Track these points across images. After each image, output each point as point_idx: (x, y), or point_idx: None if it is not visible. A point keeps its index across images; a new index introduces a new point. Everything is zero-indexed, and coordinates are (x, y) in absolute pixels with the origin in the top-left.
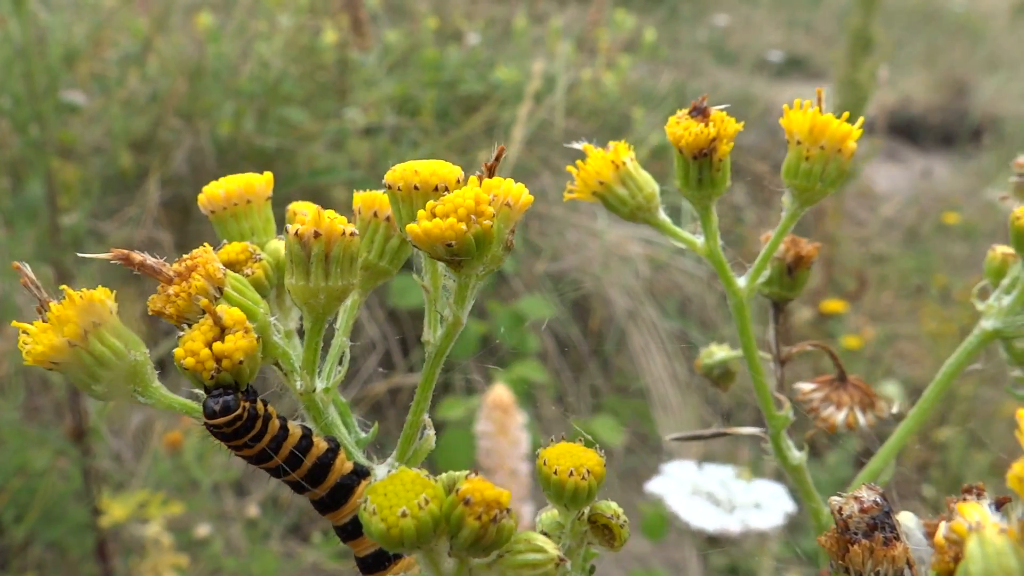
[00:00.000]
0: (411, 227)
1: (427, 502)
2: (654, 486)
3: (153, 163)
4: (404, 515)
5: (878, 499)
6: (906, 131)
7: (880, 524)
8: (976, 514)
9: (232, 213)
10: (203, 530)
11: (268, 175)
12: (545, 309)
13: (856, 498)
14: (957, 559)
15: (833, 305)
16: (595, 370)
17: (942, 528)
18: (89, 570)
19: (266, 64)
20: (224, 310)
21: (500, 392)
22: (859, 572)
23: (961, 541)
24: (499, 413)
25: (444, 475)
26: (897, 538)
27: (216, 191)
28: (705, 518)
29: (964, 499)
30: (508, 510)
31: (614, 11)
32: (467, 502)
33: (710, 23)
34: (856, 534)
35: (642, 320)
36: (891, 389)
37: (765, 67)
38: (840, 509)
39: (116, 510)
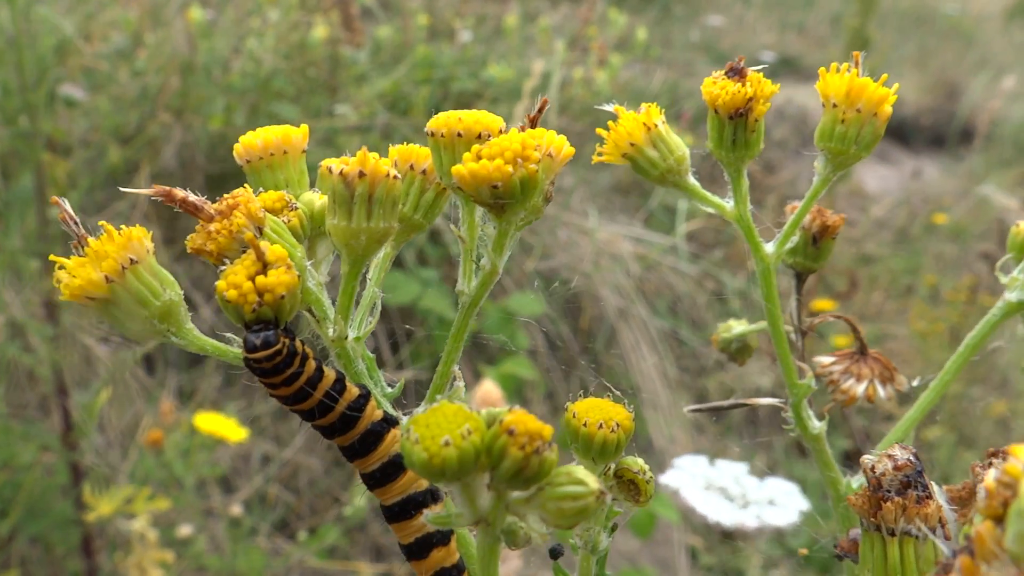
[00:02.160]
0: (457, 168)
1: (470, 432)
2: (668, 479)
3: (143, 158)
4: (447, 444)
5: (911, 457)
6: (897, 132)
7: (913, 482)
8: None
9: (268, 164)
10: (185, 529)
11: (304, 127)
12: (535, 307)
13: (889, 456)
14: (1006, 503)
15: (823, 305)
16: (585, 368)
17: (991, 473)
18: (74, 566)
19: (257, 60)
20: (266, 246)
21: (489, 388)
22: (891, 529)
23: (1014, 483)
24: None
25: (484, 410)
26: (930, 496)
27: (254, 140)
28: (722, 513)
29: (991, 463)
30: (551, 444)
31: (607, 10)
32: (511, 432)
33: (703, 23)
34: (889, 491)
35: (632, 318)
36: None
37: (757, 67)
38: (873, 467)
39: (102, 506)
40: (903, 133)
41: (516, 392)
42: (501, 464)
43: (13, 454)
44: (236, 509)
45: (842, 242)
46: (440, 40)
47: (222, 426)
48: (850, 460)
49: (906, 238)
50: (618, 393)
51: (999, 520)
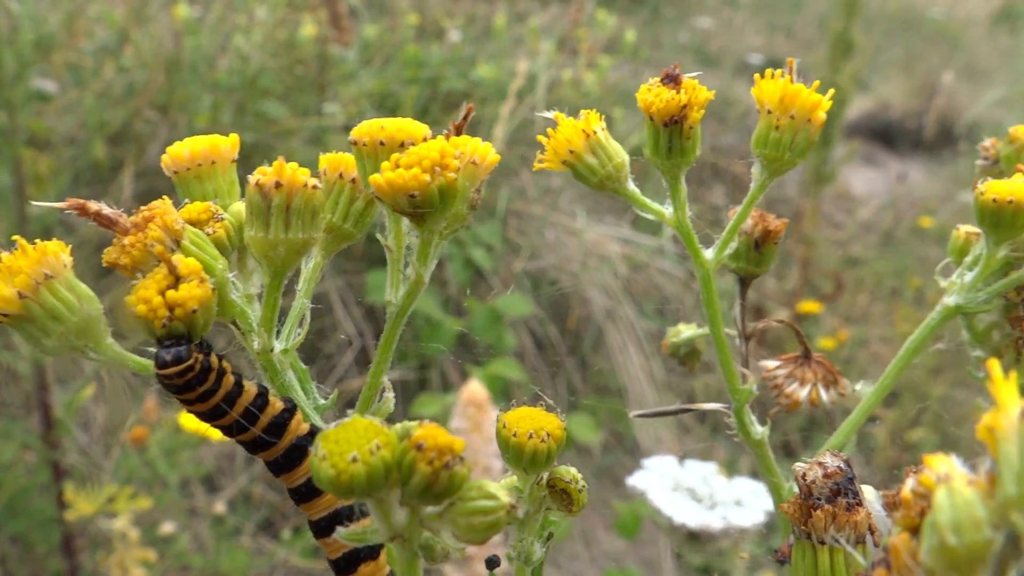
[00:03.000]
0: (374, 178)
1: (379, 448)
2: (635, 480)
3: (128, 155)
4: (355, 460)
5: (842, 465)
6: (883, 135)
7: (843, 490)
8: (944, 466)
9: (196, 174)
10: (168, 527)
11: (234, 136)
12: (523, 307)
13: (820, 463)
14: (923, 514)
15: (809, 306)
16: (572, 369)
17: (909, 483)
18: (56, 565)
19: (245, 57)
20: (179, 259)
21: (475, 389)
22: (821, 538)
23: (928, 494)
24: (474, 410)
25: (399, 424)
26: (860, 504)
27: (181, 151)
28: (687, 514)
29: (918, 473)
30: (461, 458)
31: (596, 11)
32: (420, 447)
33: (692, 25)
34: (819, 499)
35: (620, 319)
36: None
37: (746, 70)
38: (804, 475)
39: (83, 504)
40: (889, 136)
41: (503, 393)
42: (411, 480)
43: None
44: (219, 507)
45: (828, 244)
46: (429, 39)
47: (206, 425)
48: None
49: (892, 241)
50: (551, 402)
51: (915, 532)
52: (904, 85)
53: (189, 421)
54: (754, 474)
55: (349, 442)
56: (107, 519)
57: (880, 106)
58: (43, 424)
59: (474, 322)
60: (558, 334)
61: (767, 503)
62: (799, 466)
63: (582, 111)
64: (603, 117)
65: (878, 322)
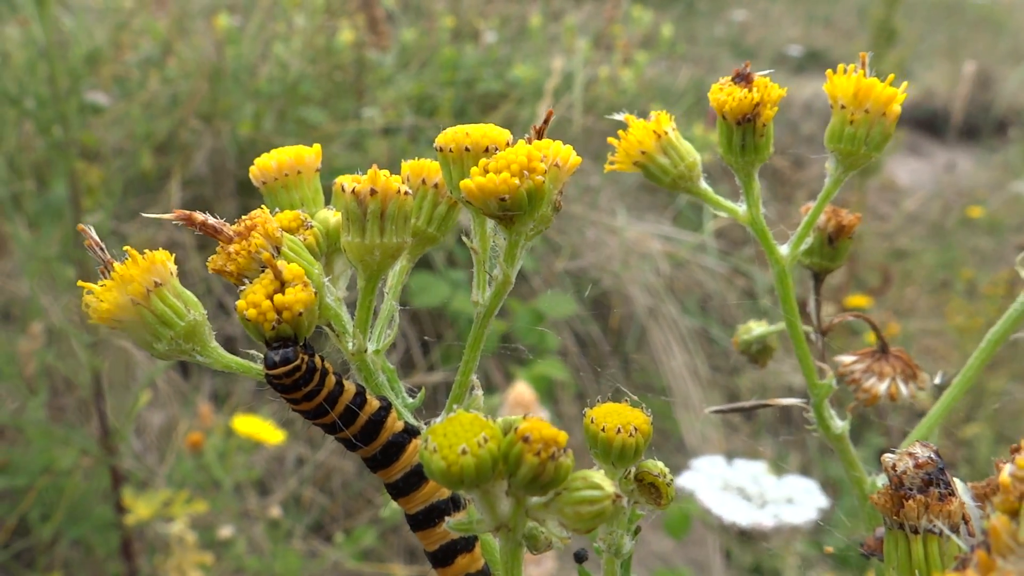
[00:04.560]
0: (465, 183)
1: (486, 440)
2: (684, 480)
3: (174, 164)
4: (464, 452)
5: (932, 455)
6: (928, 125)
7: (935, 480)
8: None
9: (283, 184)
10: (226, 531)
11: (317, 147)
12: (565, 307)
13: (910, 454)
14: (1022, 497)
15: (856, 301)
16: (616, 367)
17: (1007, 468)
18: (115, 568)
19: (284, 65)
20: (284, 265)
21: (522, 390)
22: (914, 527)
23: None
24: (521, 411)
25: (500, 419)
26: (952, 494)
27: (268, 162)
28: (737, 512)
29: (1014, 459)
30: (565, 449)
31: (631, 8)
32: (526, 439)
33: (727, 19)
34: (911, 489)
35: (662, 317)
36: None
37: (784, 62)
38: (894, 466)
39: (141, 509)
40: (935, 125)
41: (547, 393)
42: (518, 471)
43: (54, 459)
44: (275, 511)
45: (874, 237)
46: (464, 41)
47: (260, 428)
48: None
49: (940, 232)
50: (636, 398)
51: (1015, 514)
52: (948, 72)
53: (243, 425)
54: (804, 472)
55: (457, 435)
56: (164, 523)
57: (924, 95)
58: (100, 430)
59: (517, 323)
60: (600, 333)
61: (819, 500)
62: (888, 457)
63: (652, 111)
64: (673, 118)
65: (928, 315)
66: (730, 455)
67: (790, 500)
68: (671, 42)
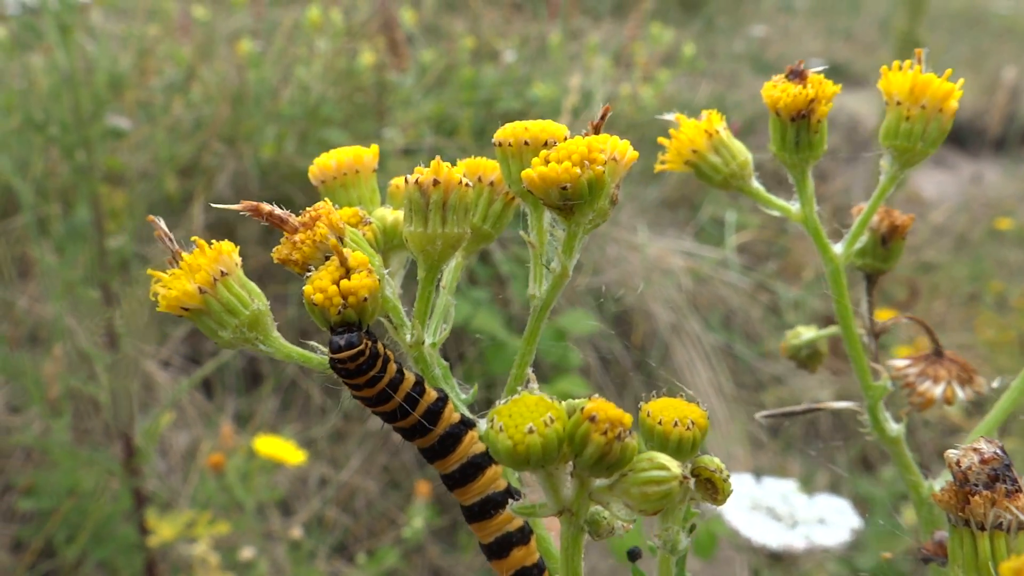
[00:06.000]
0: (527, 172)
1: (552, 420)
2: None
3: (197, 187)
4: (531, 431)
5: (998, 451)
6: (953, 136)
7: (1001, 475)
8: None
9: (341, 183)
10: (248, 552)
11: (375, 147)
12: (587, 324)
13: (975, 450)
14: None
15: (883, 315)
16: (639, 384)
17: None
18: None
19: (306, 88)
20: (349, 252)
21: None
22: (981, 523)
23: None
24: None
25: (565, 401)
26: (1020, 490)
27: (328, 161)
28: (767, 534)
29: None
30: (631, 431)
31: (650, 25)
32: (593, 419)
33: (747, 34)
34: (976, 485)
35: (686, 334)
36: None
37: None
38: (958, 462)
39: (164, 530)
40: (960, 137)
41: None
42: (584, 451)
43: (78, 481)
44: (296, 532)
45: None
46: (483, 61)
47: (281, 449)
48: (921, 468)
49: (967, 244)
50: (691, 392)
51: None
52: (972, 84)
53: (264, 446)
54: (833, 490)
55: (523, 416)
56: (187, 544)
57: None
58: (124, 452)
59: (539, 341)
60: (623, 350)
61: (852, 520)
62: (952, 453)
63: (703, 111)
64: (723, 117)
65: (957, 329)
66: (757, 472)
67: (822, 520)
68: (692, 59)
